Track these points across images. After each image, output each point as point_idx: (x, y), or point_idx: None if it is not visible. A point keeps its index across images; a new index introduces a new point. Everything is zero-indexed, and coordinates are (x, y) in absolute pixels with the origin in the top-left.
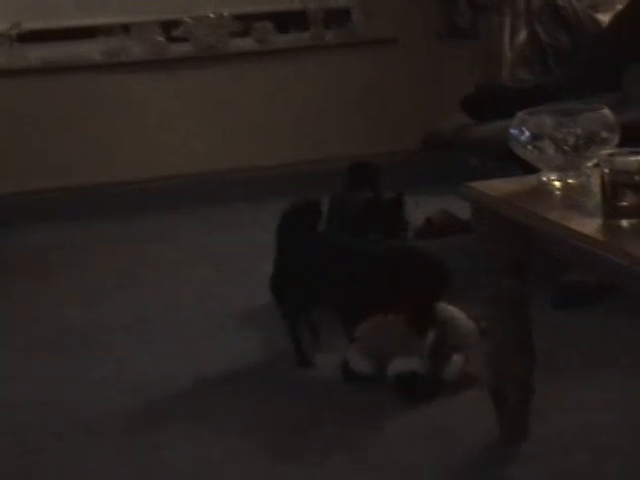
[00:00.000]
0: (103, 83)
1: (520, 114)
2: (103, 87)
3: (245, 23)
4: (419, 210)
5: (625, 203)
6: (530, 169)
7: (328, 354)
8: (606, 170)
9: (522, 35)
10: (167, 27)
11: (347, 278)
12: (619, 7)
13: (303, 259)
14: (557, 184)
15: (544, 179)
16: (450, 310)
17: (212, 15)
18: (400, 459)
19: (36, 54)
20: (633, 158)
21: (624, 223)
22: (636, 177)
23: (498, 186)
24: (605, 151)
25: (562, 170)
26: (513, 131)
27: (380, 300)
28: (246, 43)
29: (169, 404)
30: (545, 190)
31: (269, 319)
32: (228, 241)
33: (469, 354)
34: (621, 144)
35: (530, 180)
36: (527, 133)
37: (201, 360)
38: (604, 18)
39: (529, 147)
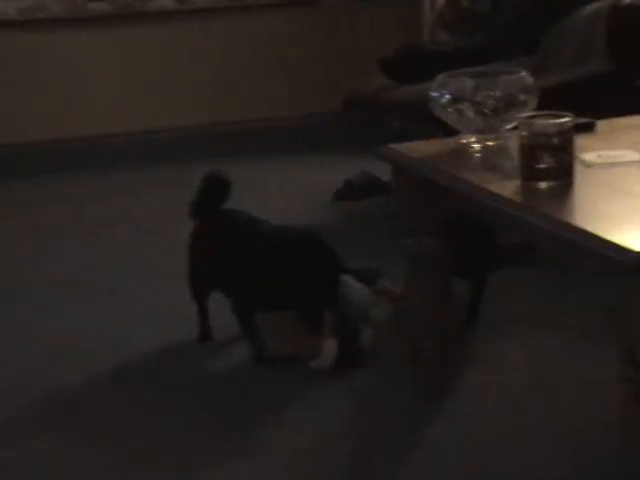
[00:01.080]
0: (20, 40)
1: (440, 77)
2: (20, 44)
3: None
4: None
5: (543, 165)
6: (450, 131)
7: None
8: (524, 133)
9: None
10: None
11: (238, 263)
12: None
13: (203, 238)
14: (476, 146)
15: (464, 141)
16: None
17: None
18: (320, 423)
19: None
20: (551, 121)
21: (541, 185)
22: (554, 140)
23: (418, 147)
24: (524, 114)
25: (481, 132)
26: (433, 93)
27: (273, 293)
28: (166, 2)
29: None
30: (464, 152)
31: None
32: (159, 201)
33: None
34: (539, 107)
35: (450, 142)
36: (447, 95)
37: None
38: None
39: (449, 109)
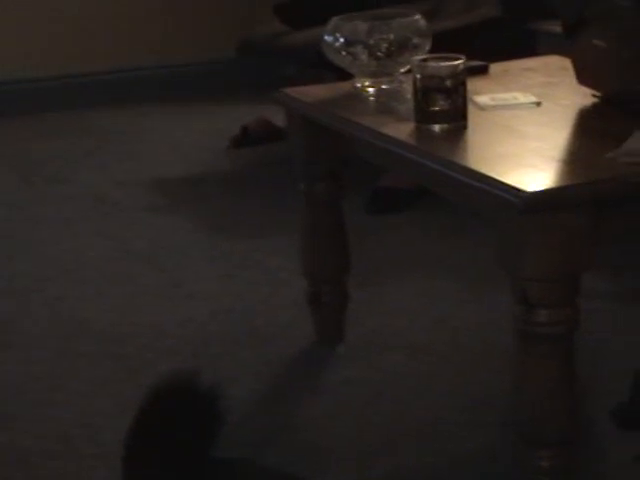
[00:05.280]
0: None
1: (334, 20)
2: None
3: None
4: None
5: (436, 108)
6: (345, 76)
7: None
8: (418, 75)
9: None
10: None
11: None
12: None
13: None
14: (371, 90)
15: (358, 85)
16: None
17: None
18: (218, 366)
19: None
20: (444, 64)
21: (435, 128)
22: (447, 82)
23: (312, 92)
24: (417, 57)
25: (375, 76)
26: (327, 37)
27: None
28: None
29: None
30: (359, 96)
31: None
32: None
33: None
34: (433, 52)
35: (344, 86)
36: (341, 39)
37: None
38: None
39: (343, 53)
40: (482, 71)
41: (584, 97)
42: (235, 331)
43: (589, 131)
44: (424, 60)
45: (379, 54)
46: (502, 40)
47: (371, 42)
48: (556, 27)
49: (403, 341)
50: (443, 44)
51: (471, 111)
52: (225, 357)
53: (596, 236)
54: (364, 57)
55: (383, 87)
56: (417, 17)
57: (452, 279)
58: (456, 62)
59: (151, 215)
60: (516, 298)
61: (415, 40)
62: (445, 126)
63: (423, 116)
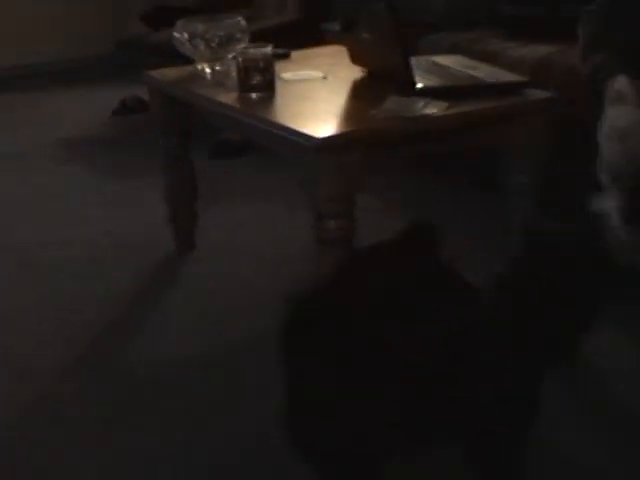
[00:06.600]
0: None
1: (180, 22)
2: None
3: None
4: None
5: (254, 82)
6: (191, 62)
7: None
8: (240, 59)
9: None
10: None
11: None
12: None
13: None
14: (208, 70)
15: (199, 67)
16: None
17: None
18: (103, 264)
19: None
20: (258, 50)
21: (253, 95)
22: (260, 63)
23: (167, 73)
24: (240, 46)
25: (211, 61)
26: (176, 34)
27: None
28: None
29: None
30: (200, 75)
31: None
32: None
33: None
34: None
35: (189, 69)
36: (185, 35)
37: None
38: None
39: (187, 45)
40: (286, 56)
41: (357, 73)
42: (114, 244)
43: (360, 96)
44: (245, 49)
45: (213, 45)
46: (302, 35)
47: (207, 37)
48: (336, 26)
49: (243, 249)
50: (261, 39)
51: (278, 84)
52: (107, 260)
53: (365, 167)
54: (202, 48)
55: (217, 68)
56: (240, 19)
57: (273, 204)
58: (266, 49)
59: (55, 165)
60: (314, 214)
61: (238, 35)
62: (260, 94)
63: (244, 87)
